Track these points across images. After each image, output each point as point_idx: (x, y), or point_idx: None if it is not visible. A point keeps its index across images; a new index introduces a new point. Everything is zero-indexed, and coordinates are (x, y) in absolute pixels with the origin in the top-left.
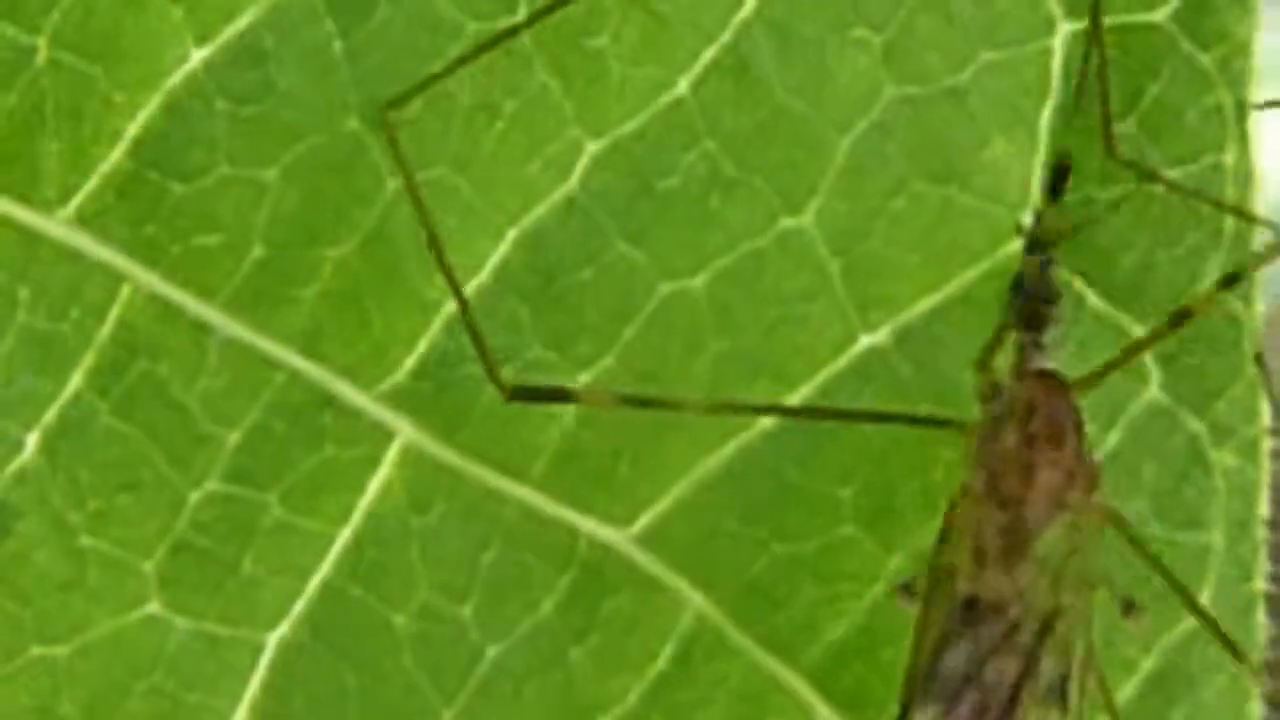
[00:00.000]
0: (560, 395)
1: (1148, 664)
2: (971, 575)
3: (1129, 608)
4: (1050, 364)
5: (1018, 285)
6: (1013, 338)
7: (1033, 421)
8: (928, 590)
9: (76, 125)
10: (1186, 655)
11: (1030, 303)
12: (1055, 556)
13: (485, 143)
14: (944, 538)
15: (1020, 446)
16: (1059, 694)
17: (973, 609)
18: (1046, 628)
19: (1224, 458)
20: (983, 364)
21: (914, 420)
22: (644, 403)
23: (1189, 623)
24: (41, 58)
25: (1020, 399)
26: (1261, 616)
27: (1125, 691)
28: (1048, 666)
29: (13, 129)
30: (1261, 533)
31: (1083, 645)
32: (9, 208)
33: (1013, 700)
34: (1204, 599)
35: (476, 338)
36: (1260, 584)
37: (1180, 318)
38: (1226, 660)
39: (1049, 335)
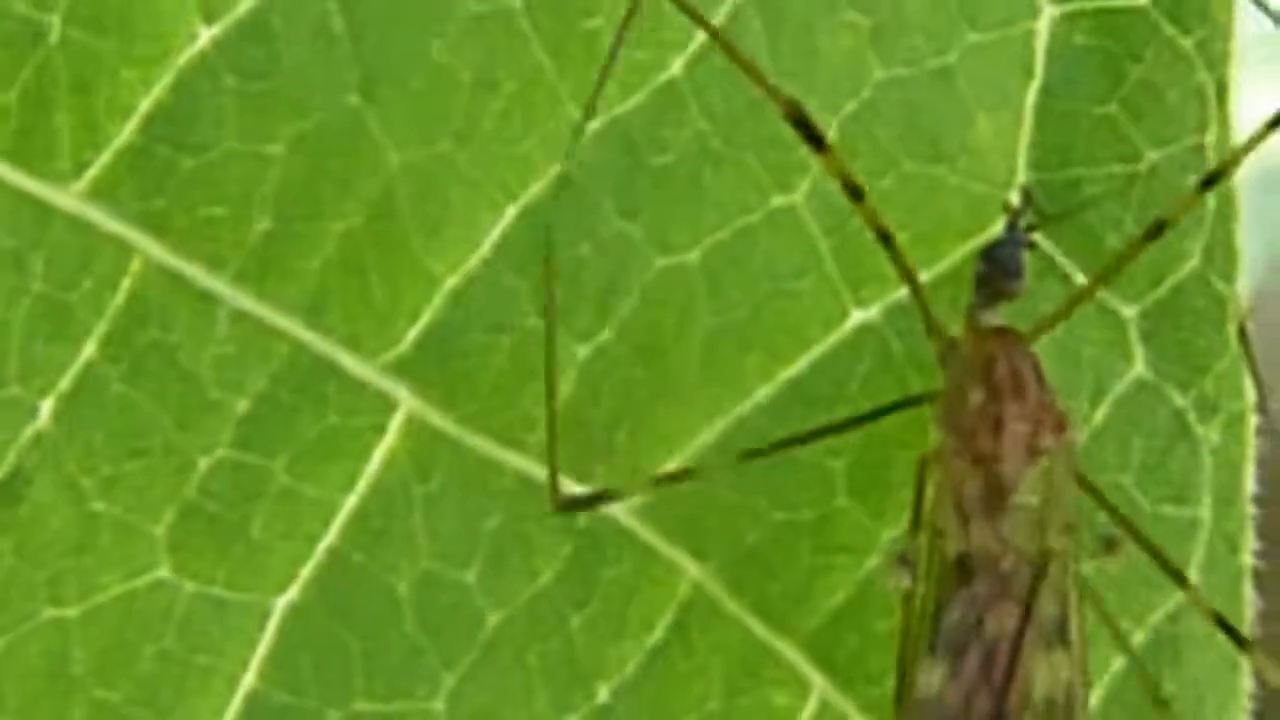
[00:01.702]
0: (605, 498)
1: (1138, 638)
2: (958, 535)
3: (1110, 544)
4: (999, 320)
5: (986, 254)
6: (968, 300)
7: (994, 377)
8: (924, 556)
9: (88, 100)
10: (1175, 629)
11: (997, 274)
12: (1036, 503)
13: (485, 120)
14: (922, 503)
15: (986, 404)
16: (1060, 634)
17: (965, 566)
18: (1039, 573)
19: (1210, 433)
20: (933, 329)
21: (891, 408)
22: (670, 479)
23: (1178, 596)
24: (54, 35)
25: (978, 357)
26: (1249, 592)
27: (1116, 665)
28: (1046, 610)
29: (27, 103)
30: (1249, 508)
31: (1075, 584)
32: (24, 180)
33: (1016, 647)
34: (1191, 574)
35: (552, 449)
36: (1248, 559)
37: (1156, 230)
38: (1215, 635)
39: (1003, 306)
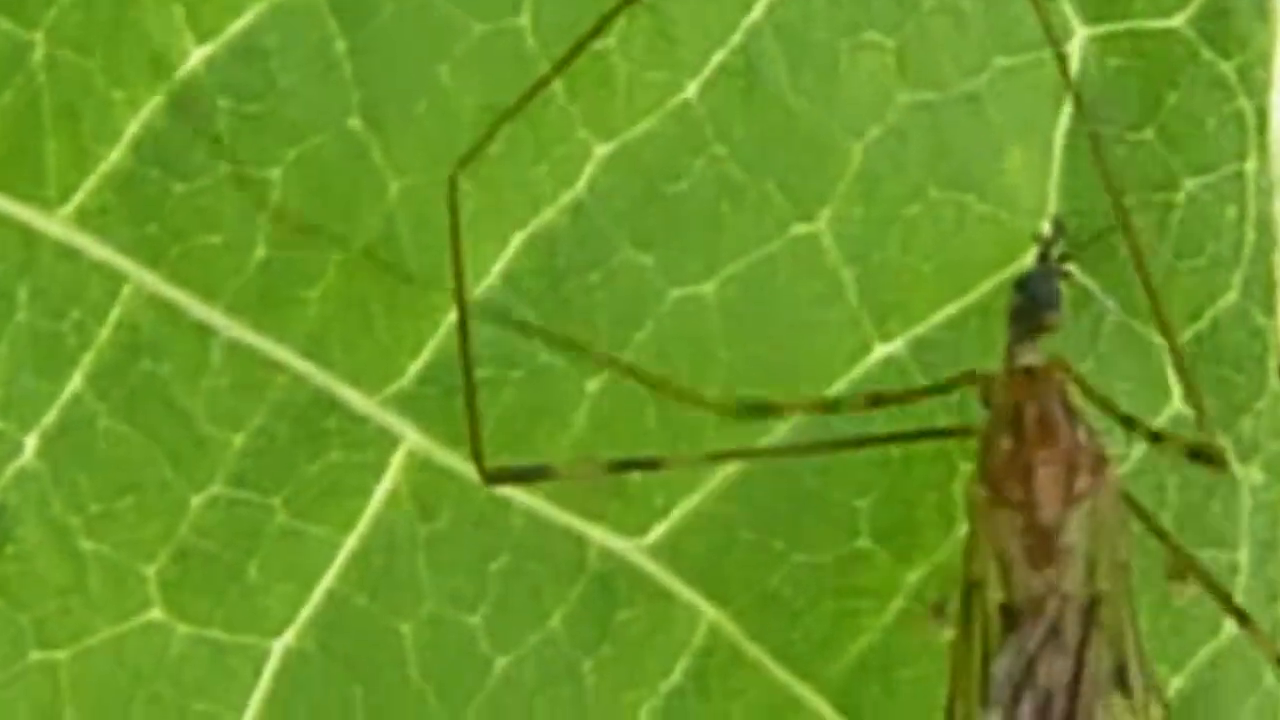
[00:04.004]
0: (540, 473)
1: (1177, 683)
2: (1001, 583)
3: (1175, 574)
4: (1038, 359)
5: (1022, 286)
6: (1006, 337)
7: (1023, 421)
8: (960, 607)
9: (75, 123)
10: (1215, 675)
11: (1032, 307)
12: (1082, 546)
13: (492, 144)
14: (968, 551)
15: (1016, 448)
16: (1119, 679)
17: (1010, 616)
18: (1090, 618)
19: (1250, 473)
20: (973, 374)
21: (927, 435)
22: (623, 466)
23: (1219, 641)
24: (39, 54)
25: (1009, 400)
26: None
27: (1155, 712)
28: (1100, 655)
29: (11, 126)
30: None
31: (1132, 626)
32: (8, 206)
33: (1072, 695)
34: (1229, 622)
35: (472, 411)
36: None
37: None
38: (1256, 681)
39: (1041, 339)
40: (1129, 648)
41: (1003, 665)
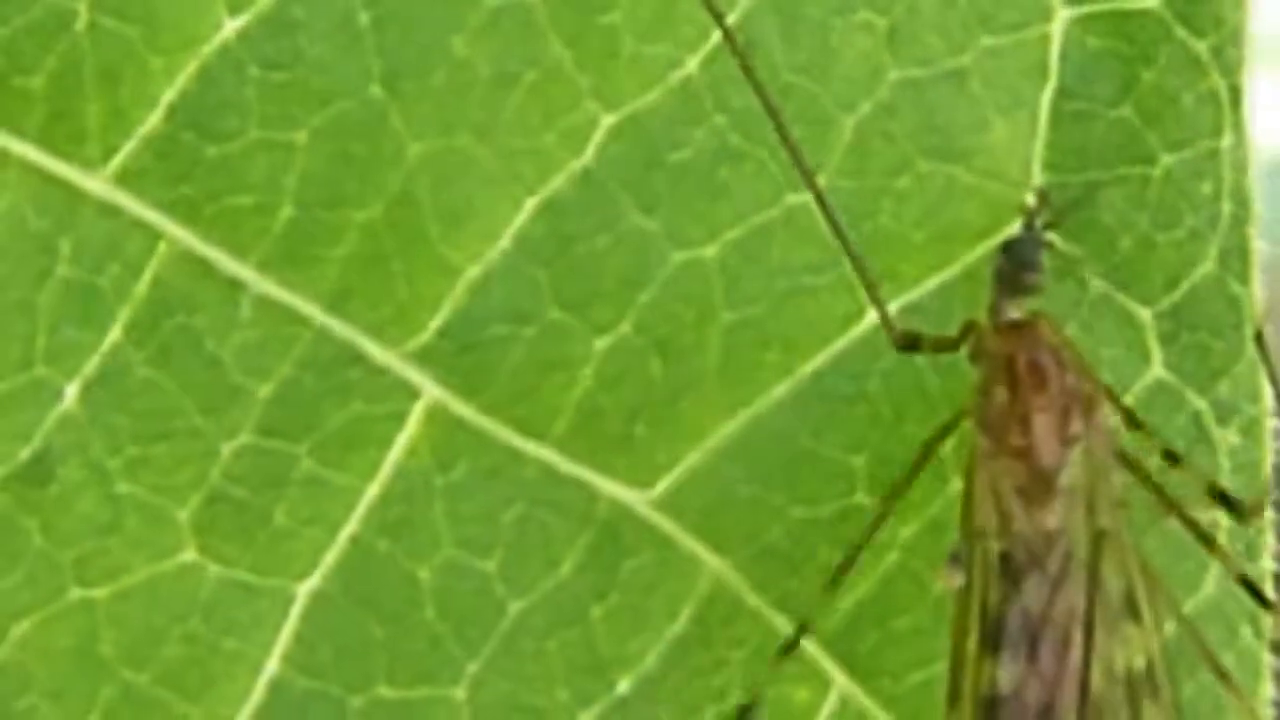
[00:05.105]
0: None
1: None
2: (1003, 530)
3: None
4: (1019, 313)
5: (1005, 248)
6: (990, 297)
7: (1015, 372)
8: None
9: (115, 88)
10: (1196, 632)
11: (1014, 267)
12: (1080, 487)
13: (504, 113)
14: (967, 503)
15: (1011, 400)
16: (1129, 610)
17: (1012, 560)
18: (1095, 554)
19: (1228, 436)
20: (973, 325)
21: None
22: None
23: (1198, 599)
24: (81, 22)
25: (999, 353)
26: (1270, 595)
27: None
28: (1109, 588)
29: (55, 89)
30: (1268, 512)
31: (1136, 558)
32: (53, 164)
33: (1087, 628)
34: (1211, 578)
35: None
36: (1268, 563)
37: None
38: (1235, 638)
39: (1024, 301)
40: (1135, 577)
41: (1015, 608)
